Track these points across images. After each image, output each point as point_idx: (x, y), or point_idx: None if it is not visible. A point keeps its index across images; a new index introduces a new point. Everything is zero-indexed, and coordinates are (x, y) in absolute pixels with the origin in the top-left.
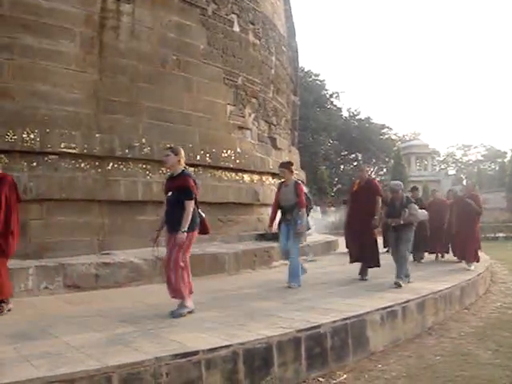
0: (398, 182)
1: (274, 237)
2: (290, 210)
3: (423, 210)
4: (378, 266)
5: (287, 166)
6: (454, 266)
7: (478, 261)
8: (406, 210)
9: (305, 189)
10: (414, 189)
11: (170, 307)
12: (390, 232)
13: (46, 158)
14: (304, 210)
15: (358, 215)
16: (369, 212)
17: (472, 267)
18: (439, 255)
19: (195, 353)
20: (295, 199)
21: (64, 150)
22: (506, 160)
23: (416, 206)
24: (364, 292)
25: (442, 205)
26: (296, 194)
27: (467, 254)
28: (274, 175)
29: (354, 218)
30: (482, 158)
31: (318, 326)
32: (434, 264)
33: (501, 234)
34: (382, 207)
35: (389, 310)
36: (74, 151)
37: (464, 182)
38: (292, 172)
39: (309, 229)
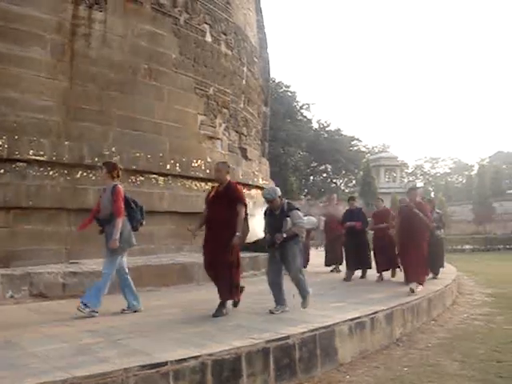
0: (271, 188)
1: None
2: (106, 221)
3: (310, 217)
4: (234, 300)
5: (107, 165)
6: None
7: (421, 283)
8: (288, 220)
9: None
10: (379, 200)
11: (133, 316)
12: (270, 250)
13: (13, 166)
14: (119, 220)
15: (214, 231)
16: (227, 226)
17: (417, 288)
18: (382, 274)
19: (163, 364)
20: (110, 208)
21: (32, 157)
22: (472, 173)
23: (300, 213)
24: (333, 303)
25: (384, 215)
26: (112, 201)
27: (408, 272)
28: (243, 185)
29: (210, 235)
30: (449, 171)
31: (287, 337)
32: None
33: (467, 246)
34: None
35: (357, 321)
36: (42, 159)
37: (432, 195)
38: (111, 175)
39: (131, 245)
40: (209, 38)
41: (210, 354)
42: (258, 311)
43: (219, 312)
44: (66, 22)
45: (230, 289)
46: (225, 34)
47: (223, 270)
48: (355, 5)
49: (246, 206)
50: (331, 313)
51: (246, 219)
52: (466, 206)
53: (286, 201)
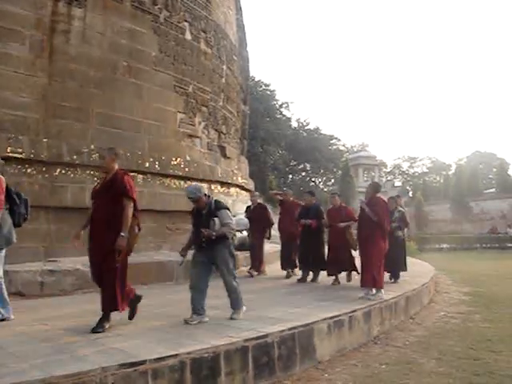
0: (195, 186)
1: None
2: None
3: (242, 217)
4: (110, 310)
5: None
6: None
7: (378, 285)
8: (215, 220)
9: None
10: (335, 195)
11: (116, 315)
12: (196, 253)
13: None
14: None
15: (96, 232)
16: (110, 225)
17: (378, 294)
18: (338, 277)
19: (142, 362)
20: None
21: (10, 154)
22: (450, 172)
23: (229, 213)
24: (312, 301)
25: (340, 213)
26: None
27: (364, 275)
28: (222, 184)
29: (92, 236)
30: (427, 171)
31: (266, 336)
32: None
33: (445, 245)
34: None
35: (336, 319)
36: (20, 156)
37: (410, 194)
38: None
39: (10, 242)
40: (188, 36)
41: (189, 353)
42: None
43: (99, 326)
44: (45, 19)
45: (113, 298)
46: (204, 32)
47: (107, 278)
48: (333, 3)
49: (134, 200)
50: (311, 311)
51: (135, 217)
52: (443, 205)
53: (214, 199)
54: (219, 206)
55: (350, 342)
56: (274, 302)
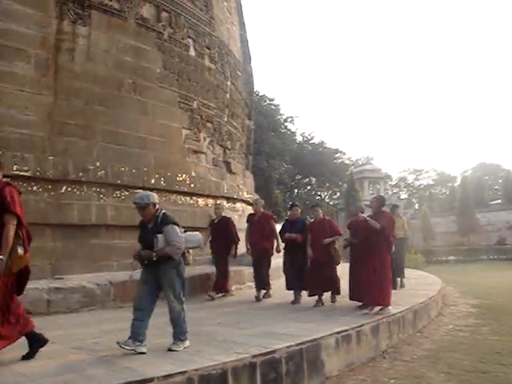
0: (144, 192)
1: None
2: None
3: (194, 233)
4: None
5: None
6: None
7: (387, 303)
8: (159, 237)
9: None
10: (317, 207)
11: (123, 333)
12: (143, 270)
13: None
14: None
15: None
16: None
17: (385, 309)
18: (322, 297)
19: (150, 380)
20: None
21: (16, 172)
22: (455, 184)
23: (177, 229)
24: (318, 317)
25: (323, 227)
26: None
27: (370, 292)
28: (228, 199)
29: None
30: (432, 183)
31: (273, 351)
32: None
33: (451, 257)
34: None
35: (343, 334)
36: (26, 174)
37: (416, 206)
38: None
39: None
40: (192, 53)
41: (197, 370)
42: (243, 326)
43: None
44: (51, 37)
45: None
46: (208, 49)
47: None
48: (337, 18)
49: (16, 216)
50: (318, 326)
51: (20, 236)
52: (449, 217)
53: (163, 212)
54: (166, 221)
55: (359, 357)
56: (282, 319)
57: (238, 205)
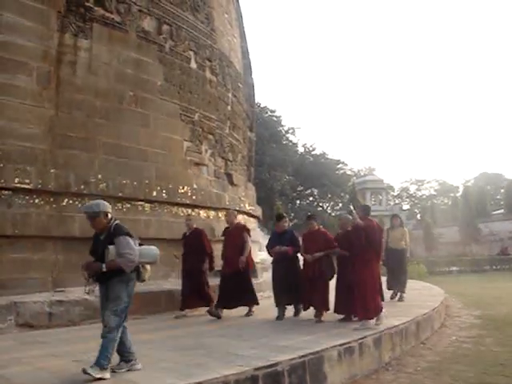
0: (96, 201)
1: None
2: None
3: (151, 247)
4: None
5: None
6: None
7: (376, 314)
8: (110, 249)
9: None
10: (311, 219)
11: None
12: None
13: None
14: None
15: None
16: None
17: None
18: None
19: None
20: None
21: (18, 185)
22: (458, 195)
23: (130, 241)
24: (321, 329)
25: (318, 238)
26: None
27: (359, 305)
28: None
29: None
30: (435, 193)
31: (276, 364)
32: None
33: (454, 268)
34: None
35: (346, 346)
36: (28, 187)
37: (418, 217)
38: None
39: None
40: (194, 65)
41: (199, 383)
42: (246, 338)
43: None
44: (52, 50)
45: None
46: (209, 61)
47: None
48: (338, 29)
49: None
50: (321, 338)
51: None
52: (452, 227)
53: (116, 222)
54: (118, 232)
55: (361, 369)
56: (284, 330)
57: (240, 217)
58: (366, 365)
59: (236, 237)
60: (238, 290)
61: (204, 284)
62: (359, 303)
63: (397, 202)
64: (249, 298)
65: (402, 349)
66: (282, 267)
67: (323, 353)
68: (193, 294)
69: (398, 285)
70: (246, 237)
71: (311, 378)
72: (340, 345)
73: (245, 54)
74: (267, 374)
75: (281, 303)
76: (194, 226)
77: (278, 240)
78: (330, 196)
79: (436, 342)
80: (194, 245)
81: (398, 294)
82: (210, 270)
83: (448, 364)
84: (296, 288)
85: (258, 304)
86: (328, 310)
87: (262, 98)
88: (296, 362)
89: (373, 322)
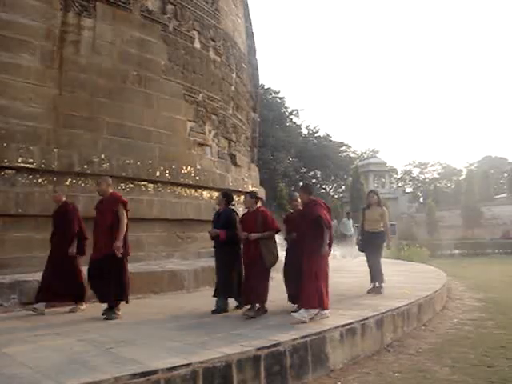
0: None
1: None
2: None
3: None
4: None
5: None
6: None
7: (325, 306)
8: None
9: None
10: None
11: (131, 325)
12: None
13: (2, 173)
14: None
15: None
16: None
17: (307, 315)
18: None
19: (154, 372)
20: None
21: (21, 164)
22: (461, 178)
23: None
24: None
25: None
26: None
27: (305, 293)
28: (233, 192)
29: None
30: (438, 176)
31: (278, 344)
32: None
33: (457, 251)
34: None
35: (348, 327)
36: (31, 166)
37: (421, 200)
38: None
39: None
40: (198, 45)
41: (201, 362)
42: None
43: None
44: (55, 29)
45: None
46: (213, 41)
47: None
48: (343, 11)
49: None
50: (324, 319)
51: None
52: (454, 210)
53: None
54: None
55: (363, 350)
56: (285, 312)
57: (243, 197)
58: (368, 346)
59: (106, 212)
60: (103, 281)
61: (71, 272)
62: (303, 290)
63: (400, 184)
64: (108, 293)
65: (404, 330)
66: (219, 253)
67: (325, 334)
68: (55, 284)
69: (374, 275)
70: (120, 212)
71: (313, 359)
72: (342, 326)
73: (249, 34)
74: (269, 353)
75: (219, 293)
76: (64, 199)
77: (216, 220)
78: (333, 178)
79: (437, 324)
80: (60, 223)
81: (376, 283)
82: (81, 255)
83: (449, 346)
84: (230, 278)
85: (125, 301)
86: (264, 302)
87: (265, 79)
88: (298, 342)
89: (313, 312)
